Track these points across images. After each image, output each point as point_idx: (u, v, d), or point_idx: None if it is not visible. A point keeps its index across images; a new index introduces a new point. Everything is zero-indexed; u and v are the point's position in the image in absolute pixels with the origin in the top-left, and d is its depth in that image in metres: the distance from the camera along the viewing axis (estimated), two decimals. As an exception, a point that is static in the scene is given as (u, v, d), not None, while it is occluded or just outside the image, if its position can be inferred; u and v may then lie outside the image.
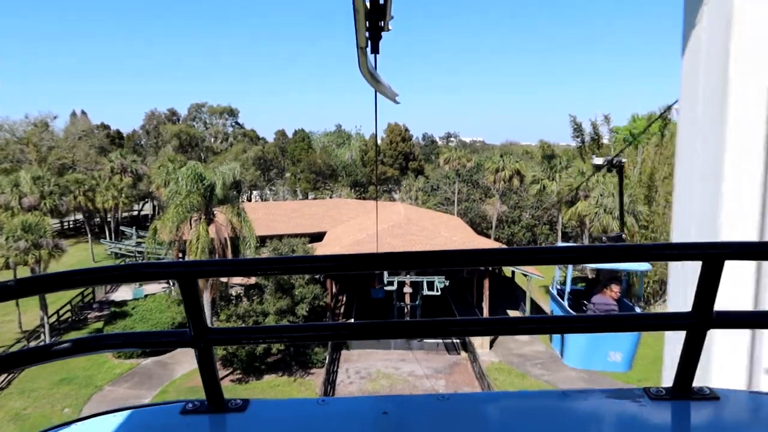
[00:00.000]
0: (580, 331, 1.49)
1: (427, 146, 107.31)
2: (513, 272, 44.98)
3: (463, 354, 34.28)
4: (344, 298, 41.50)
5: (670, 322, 1.51)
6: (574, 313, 11.69)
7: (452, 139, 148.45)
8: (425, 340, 34.87)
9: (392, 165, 72.90)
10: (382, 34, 2.89)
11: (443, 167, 60.03)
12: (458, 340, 35.03)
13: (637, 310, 13.24)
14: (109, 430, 1.40)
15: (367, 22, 2.75)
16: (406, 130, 74.24)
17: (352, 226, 42.70)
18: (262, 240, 41.19)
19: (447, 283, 32.45)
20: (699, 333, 1.36)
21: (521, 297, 43.43)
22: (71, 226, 74.11)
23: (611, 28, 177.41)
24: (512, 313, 40.72)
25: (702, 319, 1.33)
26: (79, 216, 66.76)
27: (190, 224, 28.55)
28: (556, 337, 12.18)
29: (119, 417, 1.46)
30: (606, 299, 10.79)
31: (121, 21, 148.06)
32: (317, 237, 42.99)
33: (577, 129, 40.78)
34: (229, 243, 28.30)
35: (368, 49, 3.06)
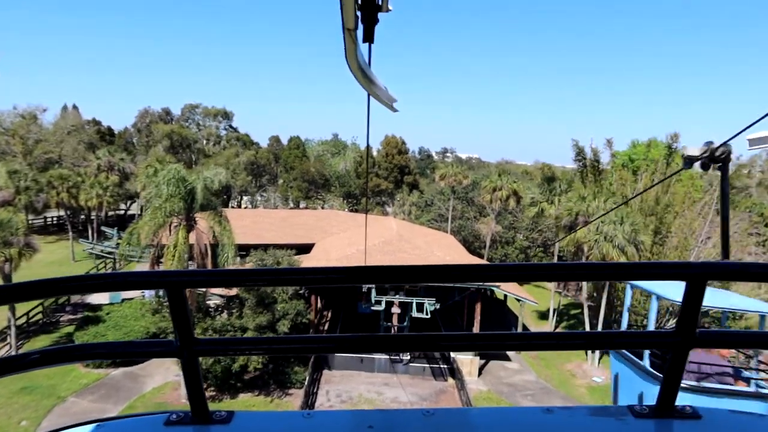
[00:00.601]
0: (564, 348, 1.47)
1: (423, 160, 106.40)
2: (505, 296, 43.58)
3: (450, 381, 32.71)
4: (329, 315, 39.89)
5: (655, 341, 1.53)
6: (655, 372, 10.13)
7: (449, 154, 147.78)
8: (411, 364, 33.31)
9: (387, 178, 71.56)
10: (380, 15, 1.87)
11: (439, 182, 58.64)
12: (445, 366, 33.49)
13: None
14: None
15: None
16: (403, 143, 73.04)
17: (342, 239, 41.20)
18: (246, 249, 39.65)
19: (438, 306, 30.95)
20: (682, 352, 1.36)
21: (513, 322, 42.00)
22: (55, 222, 72.14)
23: (614, 52, 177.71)
24: (503, 339, 39.18)
25: (685, 339, 1.34)
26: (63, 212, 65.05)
27: (170, 229, 26.97)
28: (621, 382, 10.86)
29: (102, 428, 1.44)
30: (712, 357, 8.12)
31: (126, 18, 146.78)
32: (306, 248, 41.43)
33: (579, 153, 39.48)
34: (209, 251, 26.71)
35: (359, 34, 1.95)
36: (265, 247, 37.07)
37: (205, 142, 72.94)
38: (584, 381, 34.31)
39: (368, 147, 6.27)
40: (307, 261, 36.07)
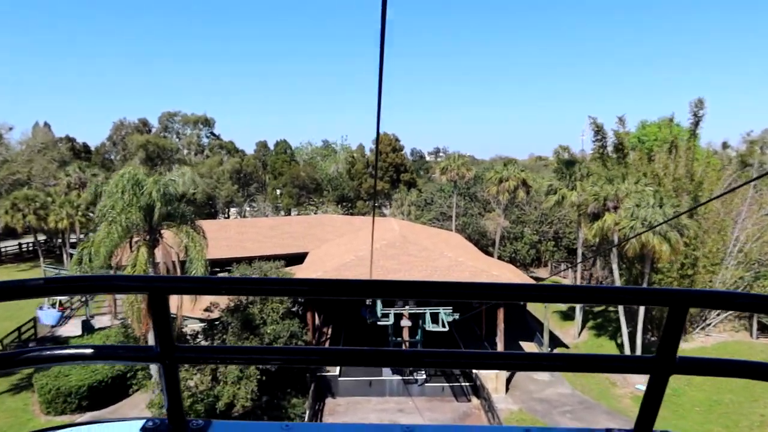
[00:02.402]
0: (543, 369, 1.49)
1: (416, 161, 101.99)
2: (525, 297, 39.05)
3: (475, 401, 28.16)
4: (329, 332, 35.28)
5: (635, 365, 1.50)
6: None
7: (441, 154, 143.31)
8: (427, 384, 28.73)
9: (382, 177, 67.04)
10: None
11: (440, 178, 54.21)
12: (468, 384, 28.94)
13: None
14: None
15: None
16: (397, 140, 68.58)
17: (338, 246, 36.65)
18: (229, 263, 35.10)
19: (456, 317, 26.41)
20: (662, 377, 1.36)
21: (535, 327, 37.51)
22: (31, 248, 67.24)
23: (597, 40, 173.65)
24: (526, 347, 34.74)
25: (665, 364, 1.34)
26: (42, 236, 60.31)
27: (131, 246, 22.40)
28: None
29: (81, 431, 1.45)
30: None
31: (99, 28, 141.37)
32: (298, 258, 36.89)
33: (598, 132, 35.01)
34: (178, 269, 22.12)
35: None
36: (250, 260, 32.58)
37: (186, 152, 68.25)
38: (626, 390, 29.81)
39: (377, 141, 4.56)
40: (299, 273, 31.50)
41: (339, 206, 66.60)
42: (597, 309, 44.78)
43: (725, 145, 52.75)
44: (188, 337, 26.16)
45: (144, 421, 1.45)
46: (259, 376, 23.25)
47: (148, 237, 22.59)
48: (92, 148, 76.50)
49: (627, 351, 32.05)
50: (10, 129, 64.81)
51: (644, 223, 27.34)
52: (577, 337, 38.55)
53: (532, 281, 41.34)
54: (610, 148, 35.42)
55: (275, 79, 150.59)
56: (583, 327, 39.50)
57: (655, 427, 1.48)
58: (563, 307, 43.99)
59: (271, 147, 74.84)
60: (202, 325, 26.39)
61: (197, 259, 21.33)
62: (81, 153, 74.23)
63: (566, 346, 36.80)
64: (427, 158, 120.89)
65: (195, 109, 70.45)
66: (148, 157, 62.11)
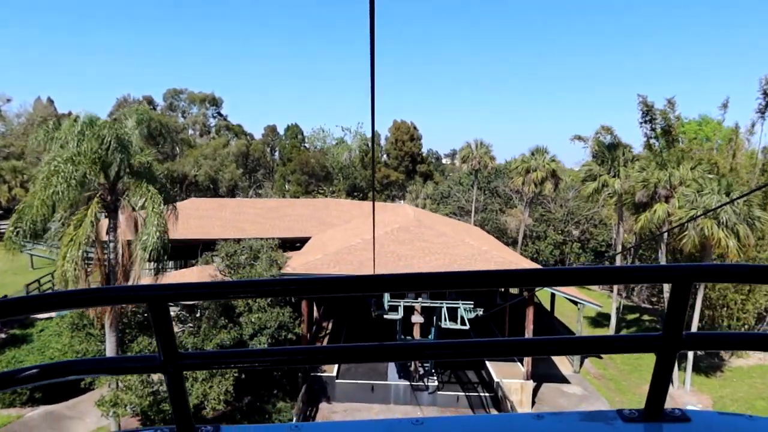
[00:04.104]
0: (546, 353, 1.42)
1: (432, 163, 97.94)
2: (552, 300, 34.57)
3: (495, 413, 23.72)
4: (329, 326, 31.07)
5: (641, 344, 1.44)
6: None
7: (457, 156, 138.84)
8: (440, 392, 24.41)
9: (397, 168, 62.81)
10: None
11: (460, 167, 49.86)
12: (487, 394, 24.56)
13: None
14: None
15: None
16: (415, 128, 64.24)
17: (344, 231, 32.44)
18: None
19: (480, 313, 22.04)
20: (669, 355, 1.35)
21: (564, 333, 32.96)
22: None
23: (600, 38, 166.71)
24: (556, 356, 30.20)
25: (671, 341, 1.32)
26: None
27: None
28: None
29: None
30: None
31: (113, 9, 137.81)
32: (301, 243, 32.79)
33: (648, 112, 30.42)
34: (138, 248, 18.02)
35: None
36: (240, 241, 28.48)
37: (190, 131, 64.49)
38: (676, 411, 25.24)
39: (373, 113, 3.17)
40: (297, 257, 27.34)
41: (350, 197, 62.45)
42: (630, 317, 40.17)
43: (766, 150, 48.16)
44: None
45: (152, 430, 1.44)
46: (236, 374, 19.10)
47: (110, 198, 18.56)
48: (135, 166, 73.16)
49: (680, 369, 27.43)
50: (8, 101, 61.56)
51: (707, 213, 22.79)
52: (611, 347, 33.95)
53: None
54: (658, 131, 30.85)
55: (292, 63, 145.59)
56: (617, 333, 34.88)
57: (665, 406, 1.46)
58: (592, 313, 39.55)
59: (282, 132, 70.90)
60: (176, 310, 22.32)
61: (151, 235, 17.18)
62: (135, 174, 70.94)
63: (600, 357, 32.24)
64: (444, 160, 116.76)
65: (204, 91, 66.76)
66: (151, 135, 58.27)
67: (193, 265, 30.15)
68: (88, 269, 18.93)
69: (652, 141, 31.50)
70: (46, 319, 31.25)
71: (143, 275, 24.06)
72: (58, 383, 22.33)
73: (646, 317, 39.17)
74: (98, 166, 17.71)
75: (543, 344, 1.51)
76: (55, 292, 1.36)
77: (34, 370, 1.35)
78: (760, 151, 41.48)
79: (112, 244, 18.48)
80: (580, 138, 31.94)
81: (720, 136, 40.81)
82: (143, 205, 18.49)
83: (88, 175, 17.54)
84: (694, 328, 27.16)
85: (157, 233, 17.08)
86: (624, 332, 36.90)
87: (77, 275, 16.32)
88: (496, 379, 24.38)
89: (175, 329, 13.55)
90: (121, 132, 18.52)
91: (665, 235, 26.96)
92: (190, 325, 20.91)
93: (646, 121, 30.69)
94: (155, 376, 18.83)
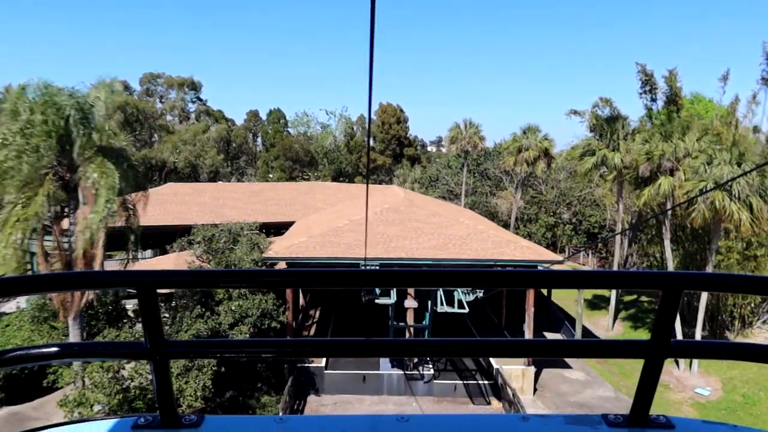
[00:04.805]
0: (537, 355, 1.45)
1: (419, 148, 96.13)
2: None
3: (496, 403, 22.34)
4: (317, 314, 29.41)
5: (630, 349, 1.50)
6: None
7: (443, 143, 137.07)
8: (436, 381, 22.93)
9: (384, 151, 61.07)
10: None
11: (449, 148, 48.28)
12: (486, 382, 23.12)
13: None
14: None
15: None
16: (401, 110, 62.45)
17: (330, 214, 30.75)
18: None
19: (479, 294, 20.54)
20: (656, 361, 1.35)
21: (561, 317, 31.64)
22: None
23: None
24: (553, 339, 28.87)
25: (659, 348, 1.32)
26: None
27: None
28: None
29: (69, 431, 1.41)
30: None
31: None
32: (284, 228, 31.07)
33: (648, 81, 28.92)
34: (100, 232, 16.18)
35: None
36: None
37: (169, 117, 62.10)
38: (684, 395, 23.99)
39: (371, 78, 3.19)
40: (280, 241, 25.62)
41: (335, 182, 60.66)
42: (627, 298, 38.99)
43: (756, 129, 47.16)
44: (130, 315, 20.36)
45: (135, 418, 1.42)
46: (215, 367, 17.41)
47: (68, 176, 16.71)
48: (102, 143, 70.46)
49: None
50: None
51: (719, 185, 21.40)
52: (610, 329, 32.76)
53: (559, 258, 35.60)
54: (660, 103, 29.39)
55: (272, 47, 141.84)
56: (616, 317, 33.68)
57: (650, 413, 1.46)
58: (588, 295, 38.37)
59: (264, 117, 68.70)
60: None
61: (102, 201, 15.38)
62: (98, 150, 68.24)
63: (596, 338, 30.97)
64: (429, 148, 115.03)
65: (183, 75, 64.27)
66: (127, 121, 55.91)
67: (168, 253, 28.27)
68: (49, 257, 17.19)
69: (652, 112, 30.03)
70: (14, 313, 29.30)
71: (113, 266, 22.20)
72: (23, 380, 20.56)
73: (644, 299, 37.99)
74: (54, 139, 15.82)
75: (537, 346, 1.50)
76: (38, 274, 1.37)
77: (17, 353, 1.33)
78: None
79: (74, 228, 16.66)
80: (576, 112, 30.43)
81: (712, 114, 39.58)
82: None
83: (43, 150, 15.66)
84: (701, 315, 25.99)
85: (105, 212, 15.24)
86: (622, 314, 35.78)
87: (19, 261, 14.48)
88: (495, 366, 22.94)
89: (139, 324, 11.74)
90: (83, 103, 16.61)
91: (669, 210, 25.61)
92: (165, 315, 19.14)
93: (646, 91, 29.21)
94: (125, 372, 17.14)
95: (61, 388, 18.40)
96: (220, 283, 1.92)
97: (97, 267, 16.86)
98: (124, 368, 16.98)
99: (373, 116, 65.31)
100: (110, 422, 1.43)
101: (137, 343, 1.34)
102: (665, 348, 1.31)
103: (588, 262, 54.43)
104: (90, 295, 17.86)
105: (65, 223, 17.53)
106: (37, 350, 1.36)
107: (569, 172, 54.16)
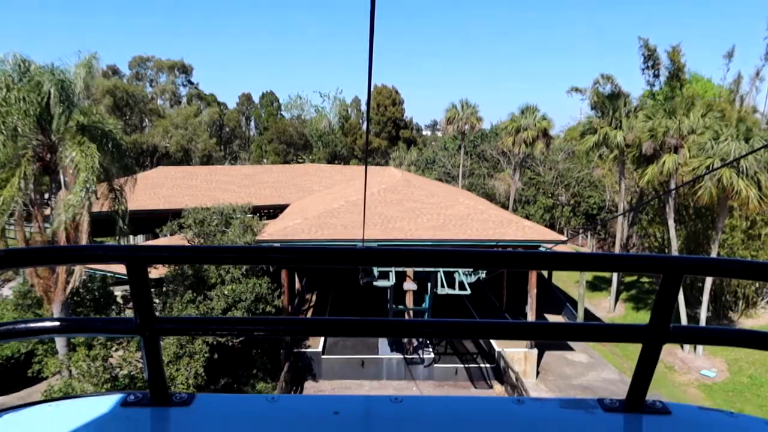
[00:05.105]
0: (533, 338, 1.44)
1: (415, 129, 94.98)
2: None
3: (498, 387, 21.80)
4: (313, 298, 28.76)
5: (628, 334, 1.46)
6: None
7: (438, 127, 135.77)
8: (436, 365, 22.37)
9: (379, 134, 60.12)
10: None
11: (446, 129, 47.41)
12: (488, 365, 22.58)
13: None
14: (46, 420, 1.34)
15: None
16: (396, 92, 61.44)
17: (326, 195, 29.99)
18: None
19: (482, 275, 19.91)
20: (654, 347, 1.34)
21: (562, 299, 31.10)
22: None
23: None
24: (554, 321, 28.33)
25: (658, 333, 1.32)
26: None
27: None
28: None
29: (56, 407, 1.40)
30: None
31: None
32: (278, 211, 30.33)
33: (651, 56, 28.10)
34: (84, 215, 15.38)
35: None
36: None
37: (159, 101, 60.90)
38: (690, 377, 23.50)
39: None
40: (273, 223, 24.89)
41: (331, 165, 59.78)
42: (628, 279, 38.48)
43: (754, 110, 46.55)
44: (119, 302, 19.63)
45: (125, 395, 1.41)
46: (207, 354, 16.75)
47: (49, 157, 15.89)
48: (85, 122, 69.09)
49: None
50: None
51: (725, 162, 20.73)
52: (612, 311, 32.26)
53: (562, 237, 34.97)
54: (662, 79, 28.59)
55: (264, 28, 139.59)
56: (617, 297, 33.18)
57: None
58: (588, 276, 37.85)
59: (257, 101, 67.53)
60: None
61: (81, 181, 14.59)
62: (78, 129, 66.92)
63: (599, 320, 30.47)
64: (425, 132, 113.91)
65: (173, 58, 62.93)
66: (116, 105, 54.82)
67: (152, 236, 27.51)
68: (30, 244, 16.42)
69: (654, 91, 29.26)
70: None
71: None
72: (9, 369, 19.85)
73: (644, 279, 37.48)
74: (32, 118, 14.96)
75: (534, 328, 1.48)
76: (37, 247, 1.30)
77: (8, 326, 1.31)
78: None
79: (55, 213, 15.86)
80: (577, 90, 29.60)
81: (711, 94, 38.82)
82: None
83: (21, 129, 14.81)
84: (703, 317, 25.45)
85: (84, 192, 14.45)
86: (623, 295, 35.28)
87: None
88: (497, 349, 22.36)
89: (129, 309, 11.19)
90: (63, 80, 15.71)
91: (677, 189, 24.96)
92: (156, 301, 18.42)
93: (648, 67, 28.38)
94: (113, 360, 16.46)
95: (47, 377, 17.72)
96: (211, 259, 1.76)
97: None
98: (112, 356, 16.31)
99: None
100: (99, 399, 1.41)
101: (127, 319, 1.31)
102: (664, 333, 1.30)
103: (586, 244, 53.94)
104: (76, 281, 17.13)
105: (50, 212, 16.82)
106: (24, 325, 1.34)
107: (567, 153, 53.47)
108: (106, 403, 1.39)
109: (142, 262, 1.23)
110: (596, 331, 1.49)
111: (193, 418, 1.36)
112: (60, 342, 16.76)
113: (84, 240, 15.84)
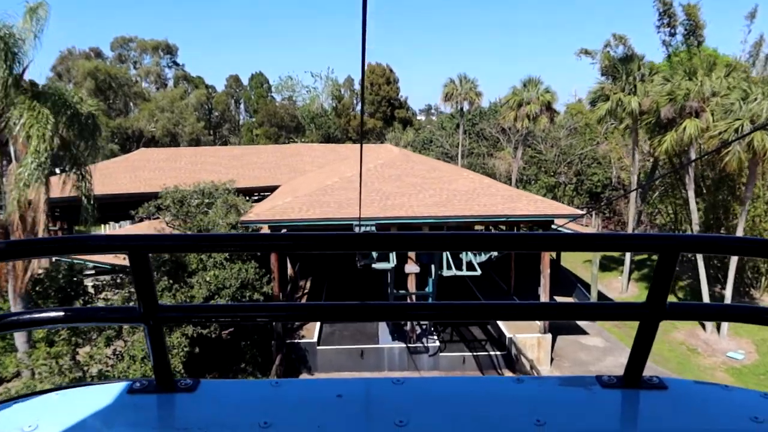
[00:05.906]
0: (531, 318, 1.43)
1: (411, 109, 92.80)
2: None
3: (509, 375, 19.99)
4: (307, 284, 26.87)
5: (625, 312, 1.50)
6: None
7: (433, 111, 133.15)
8: (442, 354, 20.57)
9: (374, 114, 57.97)
10: None
11: (444, 104, 45.36)
12: (498, 353, 20.78)
13: None
14: (54, 409, 1.34)
15: None
16: (391, 71, 59.22)
17: (318, 174, 28.00)
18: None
19: (494, 255, 18.04)
20: (651, 324, 1.35)
21: (572, 280, 29.32)
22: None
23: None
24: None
25: (655, 311, 1.32)
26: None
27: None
28: None
29: (64, 395, 1.40)
30: None
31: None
32: (269, 192, 28.35)
33: (666, 12, 26.01)
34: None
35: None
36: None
37: (144, 84, 58.53)
38: (715, 360, 21.77)
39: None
40: (261, 204, 22.92)
41: (323, 144, 57.70)
42: (638, 258, 36.75)
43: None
44: (90, 291, 17.66)
45: (131, 382, 1.42)
46: (187, 348, 14.86)
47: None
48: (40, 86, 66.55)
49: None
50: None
51: (755, 122, 18.83)
52: (624, 291, 30.52)
53: (578, 211, 33.33)
54: (679, 38, 26.53)
55: (250, 7, 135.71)
56: (630, 277, 31.45)
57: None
58: (598, 256, 36.18)
59: (246, 83, 65.16)
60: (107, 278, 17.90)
61: (33, 151, 12.62)
62: (27, 91, 64.35)
63: (609, 299, 28.75)
64: (419, 117, 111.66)
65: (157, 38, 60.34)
66: (98, 88, 52.43)
67: (138, 220, 25.50)
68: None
69: (671, 48, 27.16)
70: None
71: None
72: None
73: (654, 257, 35.80)
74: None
75: (534, 309, 1.47)
76: (36, 238, 1.33)
77: (13, 317, 1.31)
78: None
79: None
80: (587, 52, 27.54)
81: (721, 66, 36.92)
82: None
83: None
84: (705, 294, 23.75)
85: (35, 164, 12.47)
86: (634, 275, 33.57)
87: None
88: (508, 335, 20.55)
89: (110, 295, 9.82)
90: (5, 35, 13.65)
91: (694, 157, 23.07)
92: (126, 292, 16.46)
93: (664, 24, 26.28)
94: (80, 357, 14.56)
95: (8, 380, 15.81)
96: (214, 246, 1.87)
97: (40, 234, 14.16)
98: (78, 353, 14.42)
99: (360, 77, 62.24)
100: (106, 386, 1.42)
101: (131, 308, 1.33)
102: (660, 311, 1.30)
103: (590, 224, 52.20)
104: (37, 269, 15.21)
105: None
106: (29, 316, 1.35)
107: (570, 130, 51.54)
108: (112, 390, 1.40)
109: (144, 251, 1.22)
110: (594, 309, 1.50)
111: (198, 403, 1.36)
112: (20, 338, 14.85)
113: (41, 220, 13.90)
